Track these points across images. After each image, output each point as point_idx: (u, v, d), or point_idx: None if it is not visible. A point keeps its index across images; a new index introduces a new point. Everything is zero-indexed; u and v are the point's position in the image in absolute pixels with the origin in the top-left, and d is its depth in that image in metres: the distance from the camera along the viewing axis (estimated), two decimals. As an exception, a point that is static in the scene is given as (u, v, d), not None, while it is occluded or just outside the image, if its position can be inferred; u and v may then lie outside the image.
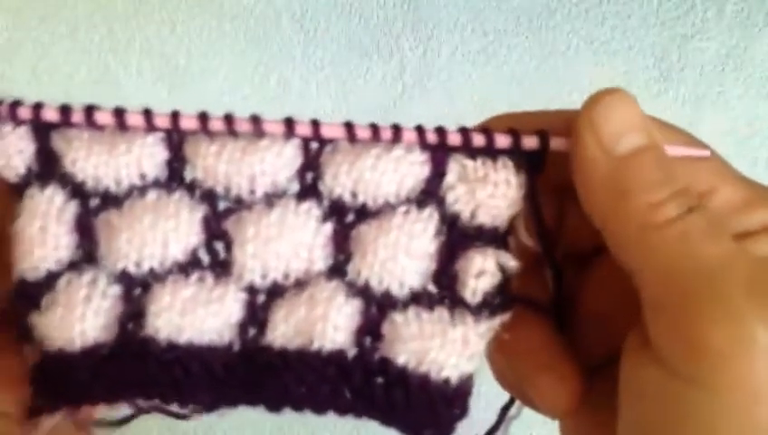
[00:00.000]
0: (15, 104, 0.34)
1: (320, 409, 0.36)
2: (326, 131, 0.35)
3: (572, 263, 0.39)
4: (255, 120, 0.34)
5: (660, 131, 0.34)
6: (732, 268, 0.30)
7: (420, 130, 0.35)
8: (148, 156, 0.35)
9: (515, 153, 0.35)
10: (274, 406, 0.36)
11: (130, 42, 0.76)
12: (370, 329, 0.36)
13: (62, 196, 0.35)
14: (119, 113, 0.34)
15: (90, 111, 0.34)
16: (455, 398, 0.36)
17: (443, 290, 0.36)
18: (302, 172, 0.35)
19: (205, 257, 0.36)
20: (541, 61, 0.75)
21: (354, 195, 0.35)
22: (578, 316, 0.39)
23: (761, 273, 0.30)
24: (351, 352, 0.36)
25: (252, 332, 0.36)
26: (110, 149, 0.34)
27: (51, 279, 0.35)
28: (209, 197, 0.35)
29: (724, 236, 0.32)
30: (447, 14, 0.74)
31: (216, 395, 0.36)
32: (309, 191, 0.36)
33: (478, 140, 0.35)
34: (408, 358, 0.35)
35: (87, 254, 0.35)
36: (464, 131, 0.35)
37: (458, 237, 0.36)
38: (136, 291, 0.35)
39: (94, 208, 0.35)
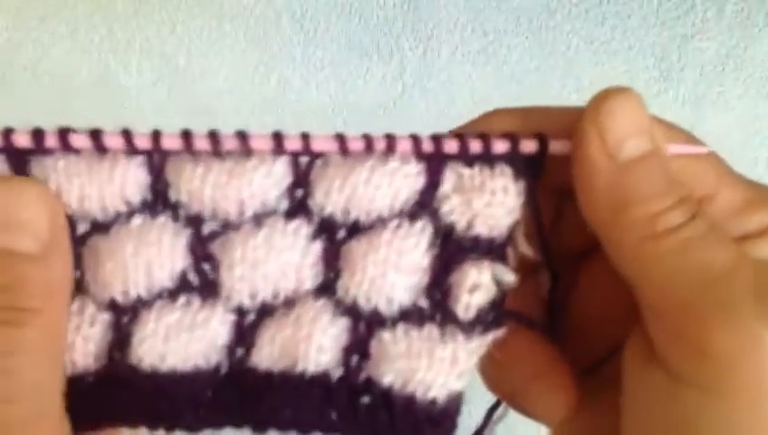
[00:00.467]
0: None
1: (305, 430, 0.35)
2: (317, 145, 0.33)
3: (565, 264, 0.38)
4: (242, 136, 0.32)
5: (662, 131, 0.33)
6: (736, 273, 0.30)
7: (416, 139, 0.33)
8: (131, 182, 0.33)
9: (514, 158, 0.34)
10: (260, 428, 0.35)
11: (130, 42, 0.76)
12: (358, 347, 0.35)
13: None
14: (95, 136, 0.32)
15: (64, 134, 0.32)
16: (442, 417, 0.35)
17: (434, 305, 0.35)
18: (291, 190, 0.34)
19: (193, 279, 0.35)
20: (541, 61, 0.75)
21: (346, 211, 0.34)
22: (571, 318, 0.38)
23: (766, 276, 0.30)
24: (337, 373, 0.35)
25: (240, 352, 0.35)
26: (91, 180, 0.33)
27: None
28: (195, 220, 0.34)
29: (726, 241, 0.31)
30: (447, 14, 0.74)
31: (202, 419, 0.35)
32: (298, 209, 0.34)
33: (475, 146, 0.33)
34: (395, 378, 0.34)
35: (76, 281, 0.34)
36: (460, 138, 0.33)
37: (453, 250, 0.34)
38: (124, 318, 0.34)
39: (81, 235, 0.34)
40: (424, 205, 0.34)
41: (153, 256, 0.34)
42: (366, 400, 0.35)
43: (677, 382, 0.31)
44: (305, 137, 0.33)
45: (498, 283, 0.35)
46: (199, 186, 0.33)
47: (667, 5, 0.73)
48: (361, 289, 0.34)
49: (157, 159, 0.33)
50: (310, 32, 0.75)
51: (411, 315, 0.35)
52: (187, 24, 0.75)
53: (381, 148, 0.33)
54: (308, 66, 0.77)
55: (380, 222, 0.34)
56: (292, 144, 0.33)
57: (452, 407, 0.35)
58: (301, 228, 0.34)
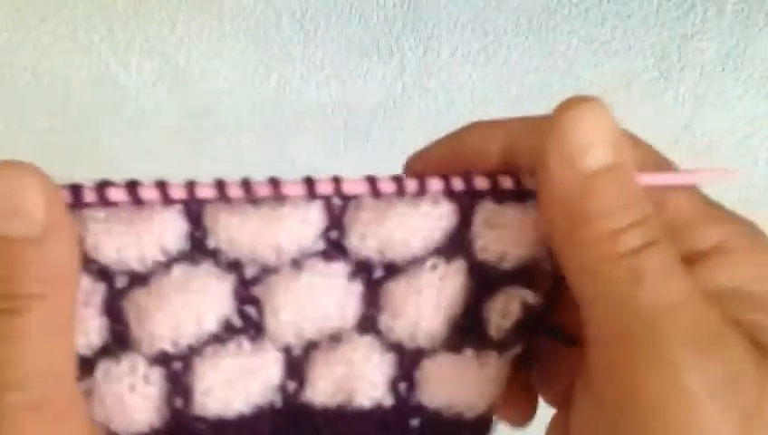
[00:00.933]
0: None
1: None
2: (348, 188, 0.33)
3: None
4: (274, 183, 0.33)
5: (631, 148, 0.31)
6: (675, 313, 0.29)
7: (446, 178, 0.34)
8: (169, 231, 0.33)
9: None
10: None
11: (130, 42, 0.76)
12: (404, 377, 0.36)
13: (88, 279, 0.34)
14: (132, 188, 0.32)
15: (102, 188, 0.32)
16: (484, 428, 0.37)
17: (469, 331, 0.36)
18: (326, 232, 0.34)
19: (237, 322, 0.35)
20: (541, 61, 0.75)
21: (382, 253, 0.35)
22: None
23: (703, 321, 0.29)
24: (388, 402, 0.36)
25: (291, 387, 0.36)
26: (129, 230, 0.33)
27: (86, 365, 0.34)
28: (235, 266, 0.34)
29: (679, 274, 0.30)
30: (447, 14, 0.74)
31: None
32: (335, 250, 0.35)
33: (506, 183, 0.34)
34: (441, 403, 0.36)
35: (119, 337, 0.34)
36: (491, 176, 0.34)
37: (486, 283, 0.35)
38: (176, 366, 0.35)
39: (121, 289, 0.34)
40: (458, 243, 0.35)
41: (202, 304, 0.34)
42: (416, 423, 0.37)
43: (606, 412, 0.31)
44: (337, 180, 0.33)
45: (525, 304, 0.35)
46: (237, 234, 0.33)
47: (667, 5, 0.73)
48: (405, 331, 0.36)
49: (194, 208, 0.34)
50: (310, 32, 0.75)
51: (449, 342, 0.36)
52: (187, 24, 0.75)
53: (413, 190, 0.33)
54: (308, 66, 0.77)
55: (416, 262, 0.35)
56: (324, 187, 0.33)
57: (490, 415, 0.37)
58: (339, 269, 0.35)
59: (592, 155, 0.30)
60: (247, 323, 0.35)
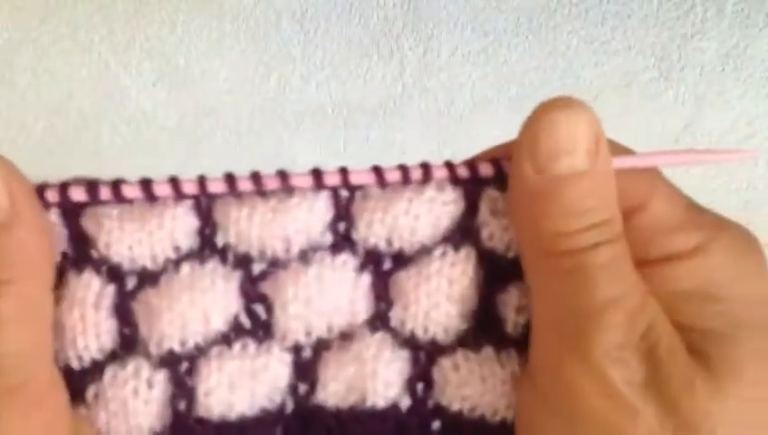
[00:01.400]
0: (42, 187, 0.33)
1: None
2: (355, 178, 0.34)
3: None
4: (282, 175, 0.33)
5: (608, 151, 0.32)
6: (610, 310, 0.30)
7: (450, 165, 0.34)
8: (181, 227, 0.34)
9: None
10: None
11: (130, 42, 0.76)
12: (421, 376, 0.36)
13: (99, 281, 0.34)
14: (145, 185, 0.33)
15: (116, 185, 0.33)
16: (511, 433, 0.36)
17: (486, 327, 0.35)
18: (334, 224, 0.35)
19: (246, 322, 0.35)
20: (541, 61, 0.75)
21: (389, 242, 0.35)
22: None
23: (636, 321, 0.30)
24: (405, 403, 0.36)
25: (302, 389, 0.36)
26: (143, 226, 0.33)
27: (96, 368, 0.34)
28: (243, 261, 0.35)
29: (626, 276, 0.31)
30: (447, 14, 0.74)
31: None
32: (343, 242, 0.35)
33: (509, 168, 0.34)
34: (462, 404, 0.36)
35: (128, 339, 0.34)
36: (495, 163, 0.34)
37: (496, 273, 0.35)
38: (182, 368, 0.35)
39: (131, 290, 0.34)
40: (465, 231, 0.35)
41: (209, 303, 0.34)
42: (437, 425, 0.36)
43: (540, 402, 0.32)
44: (344, 171, 0.34)
45: None
46: (246, 226, 0.34)
47: (667, 5, 0.73)
48: (418, 322, 0.35)
49: (204, 203, 0.34)
50: (310, 32, 0.75)
51: (467, 340, 0.36)
52: (187, 24, 0.76)
53: (418, 177, 0.34)
54: (308, 66, 0.77)
55: (425, 251, 0.35)
56: (331, 179, 0.34)
57: (513, 423, 0.36)
58: (348, 262, 0.35)
59: (562, 161, 0.30)
60: (255, 324, 0.35)
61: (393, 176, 0.34)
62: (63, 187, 0.33)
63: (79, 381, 0.34)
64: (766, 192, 0.80)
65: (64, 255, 0.34)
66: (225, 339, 0.35)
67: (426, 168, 0.34)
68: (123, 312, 0.34)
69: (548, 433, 0.32)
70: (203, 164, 0.82)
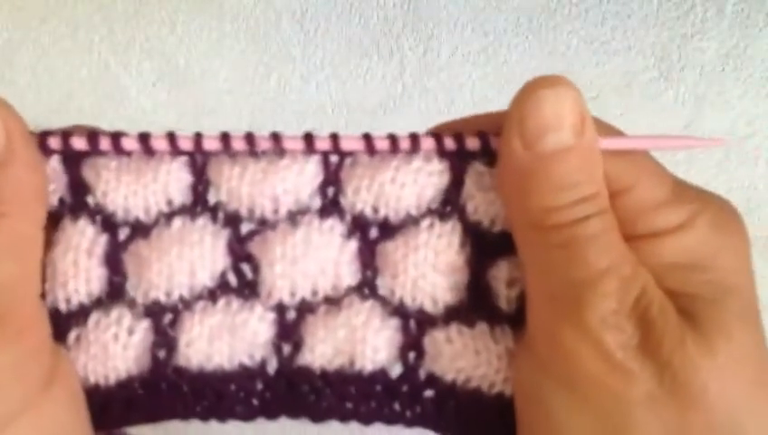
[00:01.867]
0: (45, 134, 0.34)
1: (367, 421, 0.36)
2: (345, 144, 0.34)
3: None
4: (275, 137, 0.34)
5: (593, 127, 0.32)
6: (603, 281, 0.31)
7: (438, 137, 0.34)
8: (175, 181, 0.35)
9: None
10: (319, 419, 0.36)
11: (130, 42, 0.76)
12: (412, 346, 0.36)
13: (93, 229, 0.35)
14: (144, 139, 0.34)
15: (116, 137, 0.34)
16: (507, 411, 0.36)
17: (479, 302, 0.36)
18: (323, 188, 0.35)
19: (233, 280, 0.36)
20: (541, 61, 0.75)
21: (375, 209, 0.35)
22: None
23: (628, 288, 0.31)
24: (396, 370, 0.36)
25: (287, 349, 0.36)
26: (138, 178, 0.34)
27: (82, 312, 0.35)
28: (233, 219, 0.36)
29: (616, 247, 0.32)
30: (447, 14, 0.74)
31: (254, 411, 0.36)
32: (331, 207, 0.36)
33: (496, 143, 0.34)
34: (456, 375, 0.36)
35: (115, 287, 0.36)
36: (482, 136, 0.34)
37: (483, 247, 0.35)
38: (165, 319, 0.36)
39: (123, 241, 0.35)
40: (451, 204, 0.35)
41: (196, 257, 0.35)
42: (430, 393, 0.36)
43: (537, 368, 0.33)
44: (334, 137, 0.34)
45: None
46: (237, 184, 0.35)
47: (667, 5, 0.73)
48: (406, 290, 0.36)
49: (199, 161, 0.35)
50: (310, 32, 0.75)
51: (460, 314, 0.36)
52: (187, 24, 0.75)
53: (406, 147, 0.34)
54: (308, 66, 0.77)
55: (412, 221, 0.35)
56: (322, 144, 0.34)
57: (511, 397, 0.36)
58: (335, 226, 0.36)
59: (549, 137, 0.31)
60: (242, 282, 0.36)
61: (383, 144, 0.34)
62: (65, 134, 0.34)
63: (64, 324, 0.35)
64: (766, 192, 0.80)
65: (62, 201, 0.35)
66: (212, 295, 0.36)
67: (414, 138, 0.34)
68: (114, 261, 0.35)
69: (548, 401, 0.32)
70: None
